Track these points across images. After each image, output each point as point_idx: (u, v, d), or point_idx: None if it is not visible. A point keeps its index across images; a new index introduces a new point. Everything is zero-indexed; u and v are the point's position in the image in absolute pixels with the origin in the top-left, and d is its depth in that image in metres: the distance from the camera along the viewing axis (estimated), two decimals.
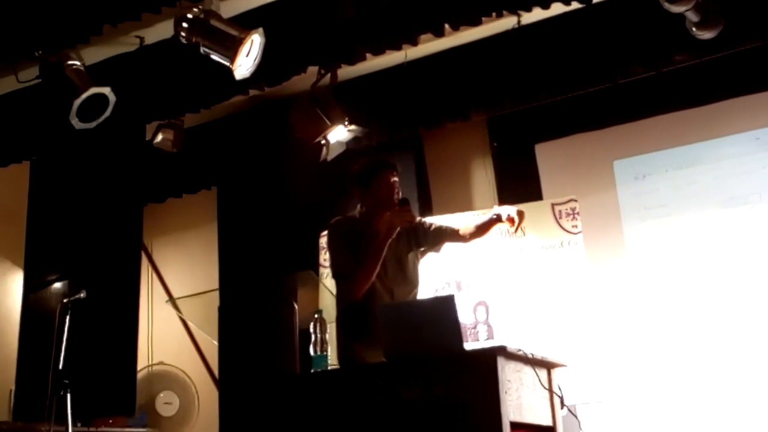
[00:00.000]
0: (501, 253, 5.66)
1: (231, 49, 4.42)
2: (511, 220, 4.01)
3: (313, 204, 6.50)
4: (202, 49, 4.43)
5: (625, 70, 5.35)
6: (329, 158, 5.72)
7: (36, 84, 5.03)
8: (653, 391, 5.37)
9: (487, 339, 5.52)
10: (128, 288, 6.57)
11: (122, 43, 5.24)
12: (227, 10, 4.68)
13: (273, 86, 5.35)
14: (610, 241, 5.73)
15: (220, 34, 4.40)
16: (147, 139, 6.30)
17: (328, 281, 5.69)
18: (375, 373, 3.36)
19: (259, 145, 6.61)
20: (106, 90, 4.87)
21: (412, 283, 4.16)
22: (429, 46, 5.59)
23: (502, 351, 3.18)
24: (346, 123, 5.62)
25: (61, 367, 4.58)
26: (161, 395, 6.70)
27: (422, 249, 4.23)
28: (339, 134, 5.68)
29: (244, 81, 4.73)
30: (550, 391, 3.56)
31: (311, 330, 3.62)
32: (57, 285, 6.59)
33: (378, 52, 5.15)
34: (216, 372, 6.43)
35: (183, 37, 4.41)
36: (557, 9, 4.86)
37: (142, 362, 6.70)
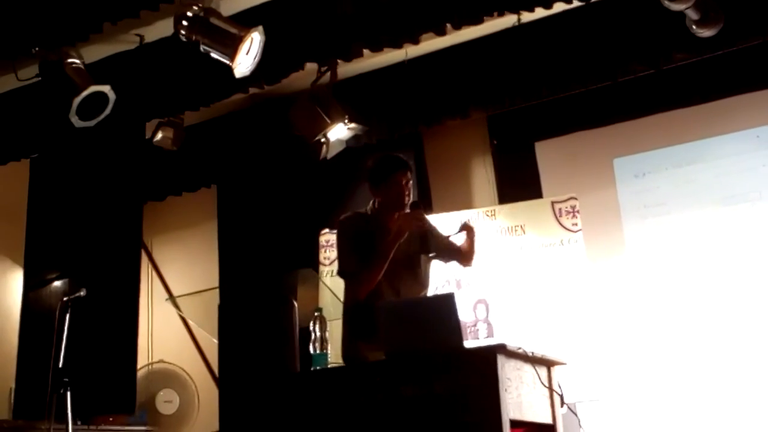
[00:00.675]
0: (501, 251, 5.66)
1: (231, 47, 4.41)
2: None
3: (313, 202, 6.51)
4: (202, 48, 4.43)
5: (625, 68, 5.34)
6: (329, 156, 5.72)
7: (36, 82, 5.03)
8: (653, 389, 5.38)
9: (487, 337, 5.52)
10: (128, 286, 6.57)
11: (122, 41, 5.24)
12: (227, 8, 4.68)
13: (272, 84, 5.34)
14: (610, 239, 5.73)
15: (220, 32, 4.40)
16: (147, 137, 6.30)
17: (328, 279, 5.70)
18: (375, 371, 3.36)
19: (259, 143, 6.61)
20: (106, 88, 4.87)
21: (422, 284, 4.12)
22: (429, 44, 5.59)
23: (502, 349, 3.18)
24: (346, 121, 5.62)
25: (61, 365, 4.58)
26: (161, 393, 6.70)
27: (431, 255, 4.21)
28: (339, 132, 5.67)
29: (244, 79, 4.73)
30: (550, 389, 3.56)
31: (311, 328, 3.62)
32: (57, 283, 6.59)
33: (377, 49, 5.14)
34: (216, 370, 6.42)
35: (183, 35, 4.41)
36: (557, 7, 4.85)
37: (142, 360, 6.71)
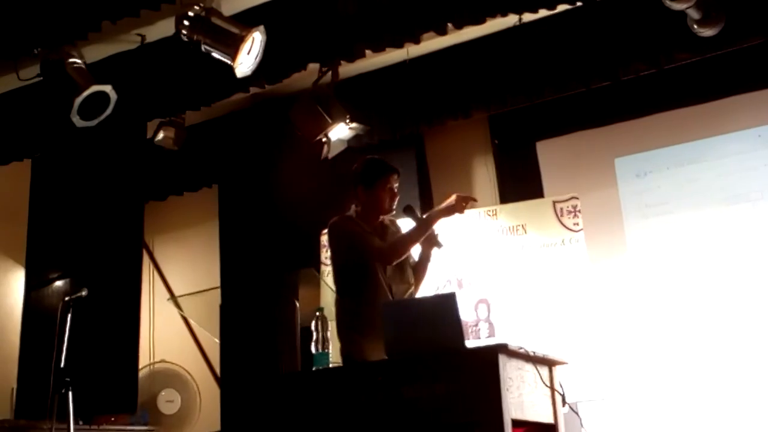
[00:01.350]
0: (502, 250, 5.66)
1: (232, 47, 4.42)
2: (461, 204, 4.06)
3: (315, 202, 6.50)
4: (204, 47, 4.43)
5: (626, 68, 5.34)
6: (330, 156, 5.72)
7: (37, 82, 5.03)
8: (655, 389, 5.37)
9: (489, 337, 5.52)
10: (130, 286, 6.57)
11: (123, 41, 5.24)
12: (228, 8, 4.68)
13: (273, 83, 5.34)
14: (611, 238, 5.73)
15: (222, 32, 4.41)
16: (148, 137, 6.30)
17: (329, 279, 5.69)
18: (376, 371, 3.37)
19: (260, 143, 6.61)
20: (108, 88, 4.87)
21: (408, 282, 4.18)
22: (431, 43, 5.59)
23: (503, 349, 3.18)
24: (348, 121, 5.61)
25: (62, 365, 4.57)
26: (163, 393, 6.70)
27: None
28: (340, 132, 5.67)
29: (245, 78, 4.73)
30: (552, 388, 3.56)
31: (313, 328, 3.62)
32: (58, 283, 6.60)
33: (379, 49, 5.14)
34: (217, 370, 6.43)
35: (184, 35, 4.41)
36: (559, 7, 4.85)
37: (143, 360, 6.71)
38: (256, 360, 3.64)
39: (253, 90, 5.59)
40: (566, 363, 3.69)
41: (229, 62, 4.46)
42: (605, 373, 5.30)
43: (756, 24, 4.91)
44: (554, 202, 5.65)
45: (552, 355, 3.61)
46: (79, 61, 4.85)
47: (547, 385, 3.52)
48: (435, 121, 6.06)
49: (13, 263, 6.72)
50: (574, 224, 5.55)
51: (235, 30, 4.43)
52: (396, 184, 4.15)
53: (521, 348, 3.32)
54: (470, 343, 3.67)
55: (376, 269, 4.01)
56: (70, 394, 4.48)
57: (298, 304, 3.77)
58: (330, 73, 5.56)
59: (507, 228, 5.71)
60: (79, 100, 4.76)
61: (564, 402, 3.61)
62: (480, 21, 4.82)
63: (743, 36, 4.98)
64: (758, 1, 4.87)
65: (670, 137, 5.71)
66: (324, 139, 5.63)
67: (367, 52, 5.18)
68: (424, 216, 4.13)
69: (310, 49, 5.13)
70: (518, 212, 5.74)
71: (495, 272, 5.64)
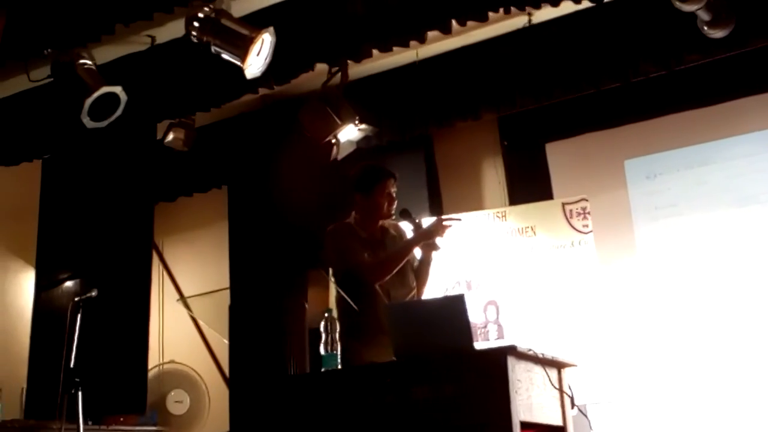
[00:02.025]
0: (511, 252, 5.66)
1: (242, 48, 4.42)
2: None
3: (324, 203, 6.50)
4: (213, 49, 4.44)
5: (636, 69, 5.33)
6: (339, 157, 5.72)
7: (48, 83, 5.05)
8: (664, 392, 5.36)
9: (498, 338, 5.51)
10: (139, 287, 6.58)
11: (134, 42, 5.25)
12: (238, 10, 4.69)
13: (282, 84, 5.35)
14: (621, 240, 5.71)
15: (231, 33, 4.41)
16: (158, 138, 6.31)
17: None
18: (385, 373, 3.37)
19: (269, 144, 6.62)
20: (118, 89, 4.88)
21: (409, 286, 4.19)
22: (440, 45, 5.59)
23: (512, 351, 3.18)
24: (357, 122, 5.62)
25: (72, 365, 4.59)
26: (172, 394, 6.71)
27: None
28: (349, 133, 5.67)
29: (254, 79, 4.74)
30: (561, 390, 3.56)
31: (321, 329, 3.62)
32: (68, 284, 6.61)
33: (385, 48, 5.14)
34: (226, 371, 6.45)
35: (194, 36, 4.42)
36: (568, 8, 4.85)
37: (153, 361, 6.72)
38: (265, 361, 3.65)
39: (262, 91, 5.60)
40: (575, 365, 3.69)
41: (238, 63, 4.47)
42: (614, 376, 5.29)
43: (766, 26, 4.89)
44: (563, 204, 5.64)
45: (561, 357, 3.61)
46: (89, 62, 4.87)
47: (556, 388, 3.51)
48: (444, 123, 6.05)
49: (24, 264, 6.74)
50: (584, 226, 5.54)
51: (244, 31, 4.44)
52: (393, 189, 4.16)
53: (530, 350, 3.32)
54: (479, 345, 3.66)
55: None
56: (80, 394, 4.49)
57: (307, 305, 3.77)
58: (339, 74, 5.56)
59: (516, 230, 5.70)
60: (89, 101, 4.77)
61: (573, 404, 3.60)
62: (483, 17, 4.81)
63: (753, 38, 4.97)
64: None
65: (680, 139, 5.69)
66: (333, 141, 5.64)
67: (377, 53, 5.18)
68: (406, 239, 4.14)
69: (318, 49, 5.13)
70: (527, 214, 5.73)
71: (504, 274, 5.63)
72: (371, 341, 3.84)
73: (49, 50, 4.83)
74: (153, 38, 5.24)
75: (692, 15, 4.68)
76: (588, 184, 5.77)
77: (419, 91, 5.95)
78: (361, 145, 5.88)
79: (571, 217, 5.58)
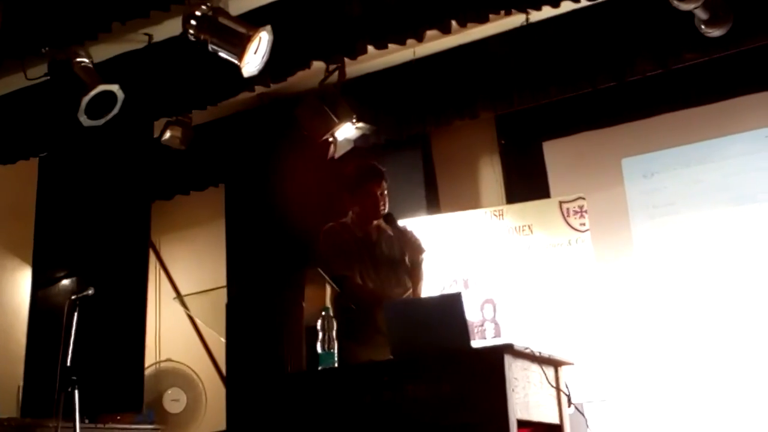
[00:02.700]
0: (508, 251, 5.66)
1: (239, 46, 4.42)
2: None
3: (321, 201, 6.50)
4: (211, 47, 4.43)
5: (633, 68, 5.33)
6: (337, 156, 5.72)
7: (44, 81, 5.05)
8: (661, 390, 5.36)
9: (494, 337, 5.52)
10: (136, 285, 6.58)
11: (131, 40, 5.24)
12: (235, 8, 4.68)
13: (278, 82, 5.34)
14: (618, 239, 5.72)
15: (229, 31, 4.41)
16: (155, 136, 6.31)
17: None
18: (382, 371, 3.36)
19: (266, 142, 6.61)
20: (115, 87, 4.88)
21: (404, 285, 4.19)
22: (437, 43, 5.58)
23: (509, 349, 3.18)
24: (354, 120, 5.62)
25: (68, 363, 4.58)
26: (169, 392, 6.71)
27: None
28: (347, 131, 5.68)
29: (251, 77, 4.73)
30: (558, 389, 3.56)
31: (318, 327, 3.61)
32: (65, 282, 6.61)
33: (382, 46, 5.13)
34: (223, 369, 6.44)
35: (191, 34, 4.41)
36: (566, 6, 4.84)
37: (149, 359, 6.72)
38: (262, 359, 3.64)
39: (259, 89, 5.59)
40: (572, 363, 3.69)
41: (235, 62, 4.47)
42: (611, 374, 5.30)
43: (763, 24, 4.89)
44: (561, 203, 5.65)
45: (558, 355, 3.61)
46: (86, 60, 4.86)
47: (552, 386, 3.52)
48: (442, 121, 6.05)
49: (20, 262, 6.73)
50: (581, 224, 5.55)
51: (242, 30, 4.43)
52: (381, 189, 4.15)
53: (527, 348, 3.32)
54: (476, 344, 3.67)
55: (363, 279, 4.05)
56: (76, 392, 4.48)
57: (303, 304, 3.77)
58: (336, 72, 5.56)
59: (513, 228, 5.71)
60: (86, 99, 4.77)
61: (570, 402, 3.60)
62: (484, 18, 4.81)
63: (751, 36, 4.97)
64: (766, 1, 4.85)
65: (677, 138, 5.70)
66: (330, 139, 5.64)
67: (374, 51, 5.18)
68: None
69: (314, 46, 5.13)
70: (525, 212, 5.74)
71: (501, 272, 5.64)
72: (367, 341, 3.85)
73: (46, 48, 4.82)
74: (150, 36, 5.22)
75: (690, 13, 4.68)
76: (585, 183, 5.78)
77: (416, 90, 5.95)
78: (359, 143, 5.88)
79: (568, 216, 5.59)
